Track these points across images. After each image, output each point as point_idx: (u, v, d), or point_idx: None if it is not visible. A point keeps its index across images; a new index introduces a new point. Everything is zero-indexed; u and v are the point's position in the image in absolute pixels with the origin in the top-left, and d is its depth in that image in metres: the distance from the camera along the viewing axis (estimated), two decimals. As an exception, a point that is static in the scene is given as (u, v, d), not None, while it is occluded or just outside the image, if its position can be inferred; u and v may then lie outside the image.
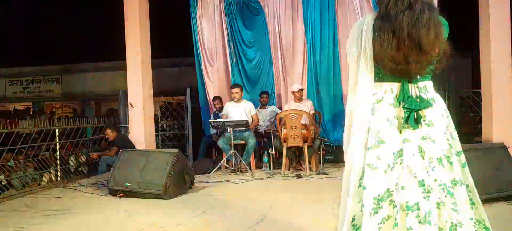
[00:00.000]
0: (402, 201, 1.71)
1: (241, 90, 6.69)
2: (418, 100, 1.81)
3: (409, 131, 1.79)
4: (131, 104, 6.73)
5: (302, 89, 6.59)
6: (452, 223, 1.71)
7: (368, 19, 1.86)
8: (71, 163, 6.85)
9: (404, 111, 1.79)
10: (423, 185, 1.71)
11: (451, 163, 1.77)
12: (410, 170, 1.74)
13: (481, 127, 6.28)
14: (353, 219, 1.81)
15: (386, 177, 1.75)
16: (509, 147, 4.20)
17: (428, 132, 1.79)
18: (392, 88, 1.85)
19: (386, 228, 1.73)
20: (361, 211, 1.77)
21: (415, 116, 1.78)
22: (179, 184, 4.70)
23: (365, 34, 1.84)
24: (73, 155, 6.85)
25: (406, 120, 1.78)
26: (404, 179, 1.72)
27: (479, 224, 1.80)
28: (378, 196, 1.74)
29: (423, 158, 1.75)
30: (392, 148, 1.77)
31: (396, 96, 1.83)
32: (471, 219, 1.74)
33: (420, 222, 1.67)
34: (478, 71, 6.17)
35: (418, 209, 1.69)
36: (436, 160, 1.75)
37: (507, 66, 5.72)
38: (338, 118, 7.22)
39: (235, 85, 6.75)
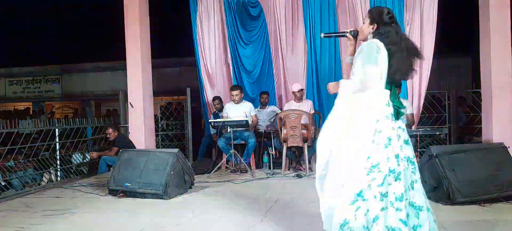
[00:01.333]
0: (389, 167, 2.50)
1: (241, 92, 6.67)
2: (399, 100, 2.65)
3: (393, 122, 2.56)
4: (131, 104, 6.73)
5: (302, 89, 6.59)
6: (411, 180, 2.55)
7: (380, 45, 2.56)
8: (74, 161, 6.84)
9: (393, 109, 2.57)
10: (398, 158, 2.50)
11: (410, 144, 2.65)
12: (392, 149, 2.50)
13: (481, 127, 6.28)
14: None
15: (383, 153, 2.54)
16: (509, 147, 4.20)
17: (401, 123, 2.62)
18: (386, 93, 2.58)
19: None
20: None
21: (398, 111, 2.60)
22: (179, 184, 4.70)
23: (382, 57, 2.54)
24: (76, 153, 6.84)
25: (396, 116, 2.58)
26: (389, 155, 2.50)
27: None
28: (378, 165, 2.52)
29: (398, 140, 2.54)
30: (386, 134, 2.51)
31: (388, 99, 2.58)
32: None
33: (395, 180, 2.47)
34: (478, 71, 6.18)
35: (394, 172, 2.47)
36: (404, 142, 2.58)
37: (507, 66, 5.73)
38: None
39: (235, 87, 6.73)
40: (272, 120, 6.89)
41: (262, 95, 7.09)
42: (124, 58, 6.77)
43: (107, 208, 4.26)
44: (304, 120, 5.92)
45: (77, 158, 6.90)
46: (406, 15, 6.81)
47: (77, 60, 15.52)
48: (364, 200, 2.44)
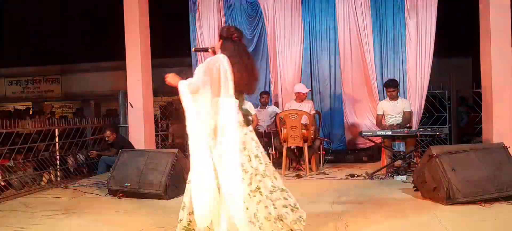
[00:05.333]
0: (256, 168, 2.88)
1: None
2: (247, 108, 3.01)
3: (244, 128, 2.88)
4: (131, 104, 6.72)
5: (308, 92, 6.57)
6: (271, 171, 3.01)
7: (222, 59, 2.80)
8: (70, 162, 6.83)
9: (243, 117, 2.88)
10: (257, 158, 2.90)
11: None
12: (250, 150, 2.88)
13: (481, 127, 6.28)
14: None
15: None
16: (509, 147, 4.19)
17: (251, 128, 2.95)
18: (235, 102, 2.84)
19: None
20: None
21: (247, 119, 2.92)
22: (179, 184, 4.67)
23: (221, 70, 2.78)
24: (71, 155, 6.83)
25: (246, 122, 2.89)
26: (250, 156, 2.87)
27: None
28: None
29: (252, 141, 2.91)
30: (241, 139, 2.81)
31: (237, 107, 2.85)
32: None
33: (263, 176, 2.89)
34: (478, 71, 6.18)
35: (258, 170, 2.87)
36: (255, 142, 2.93)
37: (507, 66, 5.73)
38: (337, 118, 7.22)
39: None
40: (272, 119, 6.88)
41: (263, 95, 7.07)
42: (124, 58, 6.77)
43: (107, 208, 4.25)
44: (304, 119, 5.92)
45: (70, 160, 6.89)
46: (407, 15, 6.81)
47: (77, 60, 15.51)
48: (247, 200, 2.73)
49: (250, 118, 2.95)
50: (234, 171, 2.72)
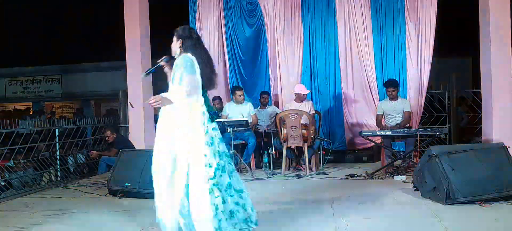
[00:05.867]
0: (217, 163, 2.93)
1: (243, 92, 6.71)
2: (211, 105, 3.10)
3: (210, 124, 2.95)
4: (131, 104, 6.72)
5: (308, 93, 6.57)
6: (230, 170, 3.03)
7: (192, 57, 2.90)
8: (70, 162, 6.84)
9: (208, 113, 2.95)
10: (219, 154, 2.96)
11: (223, 140, 3.09)
12: (215, 146, 2.97)
13: (481, 127, 6.28)
14: None
15: None
16: (509, 147, 4.20)
17: (215, 125, 3.01)
18: (202, 99, 2.94)
19: None
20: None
21: (211, 115, 2.98)
22: (179, 184, 4.69)
23: (196, 66, 2.90)
24: (71, 155, 6.83)
25: (210, 118, 2.95)
26: (214, 152, 2.96)
27: None
28: None
29: (216, 138, 2.97)
30: (209, 135, 2.92)
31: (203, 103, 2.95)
32: None
33: (221, 173, 2.95)
34: (478, 71, 6.18)
35: (218, 166, 2.93)
36: (220, 139, 3.02)
37: (507, 66, 5.73)
38: (337, 118, 7.22)
39: (239, 87, 6.74)
40: (272, 119, 6.88)
41: (263, 95, 7.07)
42: (124, 58, 6.77)
43: (107, 208, 4.25)
44: (304, 119, 5.92)
45: (72, 161, 6.89)
46: (407, 15, 6.81)
47: (77, 60, 15.51)
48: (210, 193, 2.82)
49: (214, 115, 3.04)
50: (200, 165, 2.82)
